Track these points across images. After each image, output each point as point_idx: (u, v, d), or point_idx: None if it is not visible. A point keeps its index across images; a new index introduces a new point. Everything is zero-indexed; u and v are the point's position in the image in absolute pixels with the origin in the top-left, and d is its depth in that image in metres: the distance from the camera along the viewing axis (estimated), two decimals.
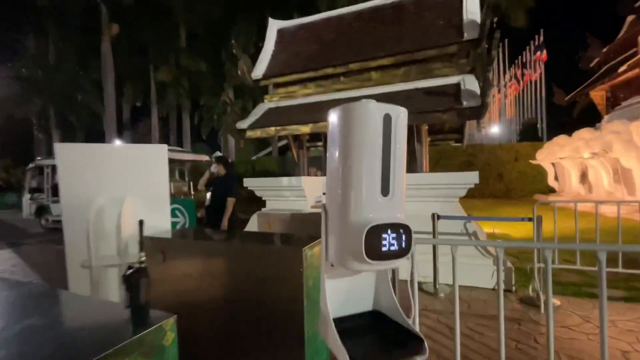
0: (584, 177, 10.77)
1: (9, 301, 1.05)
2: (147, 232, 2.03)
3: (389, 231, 0.72)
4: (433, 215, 3.57)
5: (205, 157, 11.17)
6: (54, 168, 10.17)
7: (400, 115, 0.73)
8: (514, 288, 3.68)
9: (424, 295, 3.68)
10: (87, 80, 20.83)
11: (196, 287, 1.87)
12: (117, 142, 17.60)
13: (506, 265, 3.79)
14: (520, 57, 26.52)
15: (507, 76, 27.11)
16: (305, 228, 3.02)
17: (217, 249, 1.87)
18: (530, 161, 13.01)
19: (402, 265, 2.96)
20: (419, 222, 3.76)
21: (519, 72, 26.60)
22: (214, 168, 4.03)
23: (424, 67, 5.08)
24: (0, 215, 15.64)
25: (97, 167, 2.15)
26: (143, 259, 0.88)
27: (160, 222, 2.16)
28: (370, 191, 0.75)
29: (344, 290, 0.86)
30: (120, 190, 2.15)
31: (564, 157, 11.03)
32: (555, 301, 3.27)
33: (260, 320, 1.68)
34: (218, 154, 4.31)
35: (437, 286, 3.67)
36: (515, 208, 10.28)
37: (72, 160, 2.10)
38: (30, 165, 11.18)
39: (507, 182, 14.76)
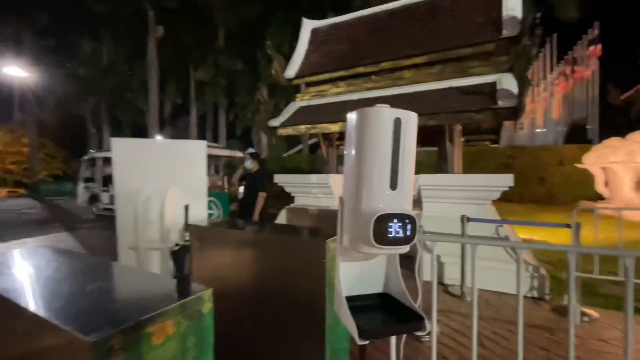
0: (639, 184, 9.85)
1: (78, 268, 1.26)
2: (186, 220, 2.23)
3: (395, 220, 0.80)
4: (462, 217, 3.51)
5: (238, 153, 11.64)
6: (104, 160, 11.13)
7: (411, 119, 0.81)
8: (548, 297, 3.52)
9: (451, 298, 3.63)
10: (134, 80, 22.42)
11: (228, 271, 2.03)
12: (158, 137, 18.78)
13: (540, 272, 3.64)
14: (571, 52, 24.52)
15: (555, 73, 25.18)
16: (331, 223, 3.11)
17: (248, 238, 2.02)
18: (576, 165, 12.10)
19: (426, 266, 2.96)
20: (448, 224, 3.75)
21: (568, 69, 24.61)
22: (248, 164, 4.24)
23: (459, 65, 4.95)
24: (58, 202, 17.38)
25: (146, 159, 2.39)
26: (187, 238, 1.02)
27: (198, 212, 2.36)
28: (380, 185, 0.83)
29: (357, 273, 0.96)
30: (164, 181, 2.38)
31: (616, 162, 10.15)
32: (593, 313, 3.11)
33: (285, 305, 1.80)
34: (251, 150, 4.51)
35: (464, 289, 3.61)
36: (557, 214, 9.66)
37: (125, 153, 2.36)
38: (85, 157, 12.30)
39: (550, 186, 13.84)
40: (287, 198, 5.70)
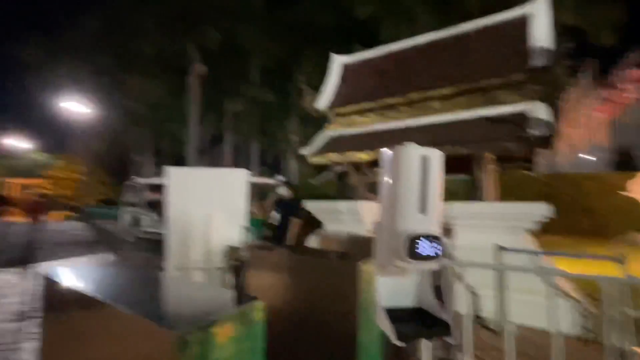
0: None
1: (150, 279, 1.46)
2: (228, 243, 2.42)
3: (424, 239, 0.92)
4: (496, 246, 3.43)
5: (270, 181, 12.05)
6: (146, 186, 11.99)
7: (436, 155, 0.95)
8: (595, 336, 3.27)
9: (487, 332, 3.48)
10: (176, 113, 24.39)
11: (265, 290, 2.16)
12: (197, 166, 19.91)
13: (587, 309, 3.41)
14: (615, 76, 23.49)
15: (599, 98, 24.05)
16: (360, 249, 3.18)
17: (284, 260, 2.15)
18: (620, 192, 11.23)
19: (461, 300, 2.91)
20: (481, 254, 3.65)
21: (614, 94, 23.46)
22: (282, 191, 4.47)
23: (487, 95, 5.01)
24: (104, 225, 18.67)
25: (195, 186, 2.66)
26: (243, 256, 1.17)
27: (239, 235, 2.55)
28: (411, 209, 0.96)
29: (393, 288, 1.06)
30: (209, 207, 2.62)
31: None
32: None
33: (318, 325, 1.88)
34: (282, 178, 4.77)
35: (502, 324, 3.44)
36: (605, 248, 8.91)
37: (177, 180, 2.64)
38: (128, 183, 13.30)
39: (597, 218, 12.85)
40: (316, 224, 5.83)
